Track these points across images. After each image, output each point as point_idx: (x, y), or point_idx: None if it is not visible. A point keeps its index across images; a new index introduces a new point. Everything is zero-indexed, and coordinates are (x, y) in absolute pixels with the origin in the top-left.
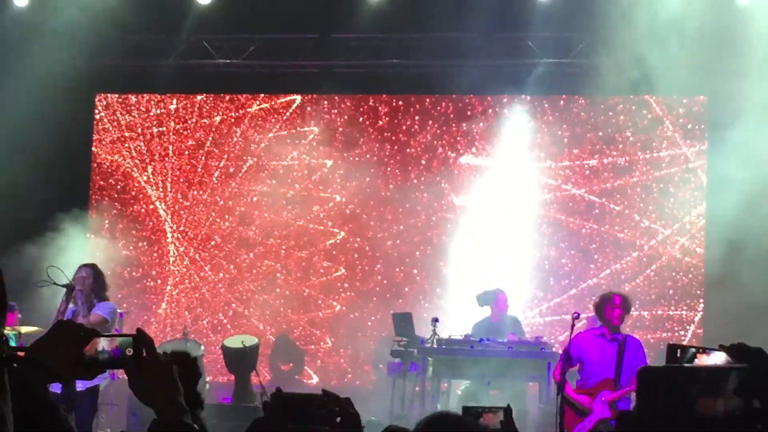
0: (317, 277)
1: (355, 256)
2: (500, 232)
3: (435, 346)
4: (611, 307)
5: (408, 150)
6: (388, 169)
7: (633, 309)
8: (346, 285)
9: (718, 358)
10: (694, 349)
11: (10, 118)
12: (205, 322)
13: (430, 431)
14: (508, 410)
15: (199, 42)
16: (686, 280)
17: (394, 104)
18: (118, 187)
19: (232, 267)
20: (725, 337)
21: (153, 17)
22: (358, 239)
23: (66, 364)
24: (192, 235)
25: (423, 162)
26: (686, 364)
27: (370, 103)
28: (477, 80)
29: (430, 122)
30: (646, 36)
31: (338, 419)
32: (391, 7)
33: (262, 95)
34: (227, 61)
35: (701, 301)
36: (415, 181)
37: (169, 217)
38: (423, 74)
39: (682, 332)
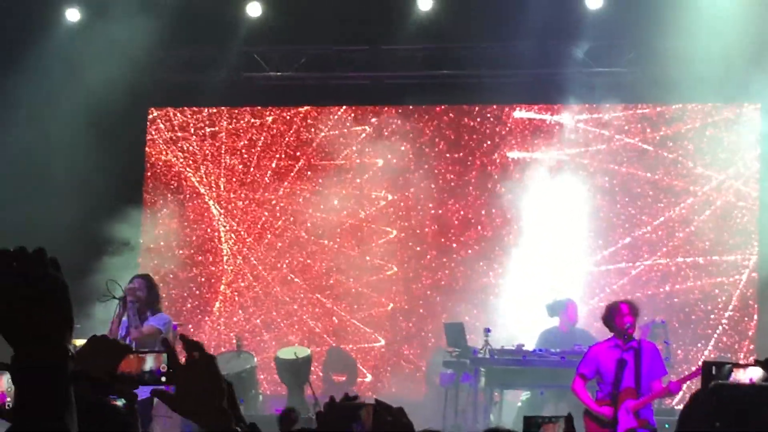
0: (369, 275)
1: (407, 253)
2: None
3: (487, 356)
4: (620, 316)
5: (459, 152)
6: (441, 171)
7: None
8: (398, 284)
9: (754, 374)
10: (729, 365)
11: (63, 132)
12: (258, 320)
13: None
14: (569, 419)
15: (250, 55)
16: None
17: (444, 110)
18: (172, 187)
19: (284, 265)
20: None
21: (204, 31)
22: (411, 242)
23: (102, 378)
24: (245, 235)
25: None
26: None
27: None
28: (526, 90)
29: (482, 129)
30: (696, 42)
31: (391, 429)
32: (441, 17)
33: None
34: (278, 73)
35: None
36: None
37: (223, 216)
38: (473, 84)
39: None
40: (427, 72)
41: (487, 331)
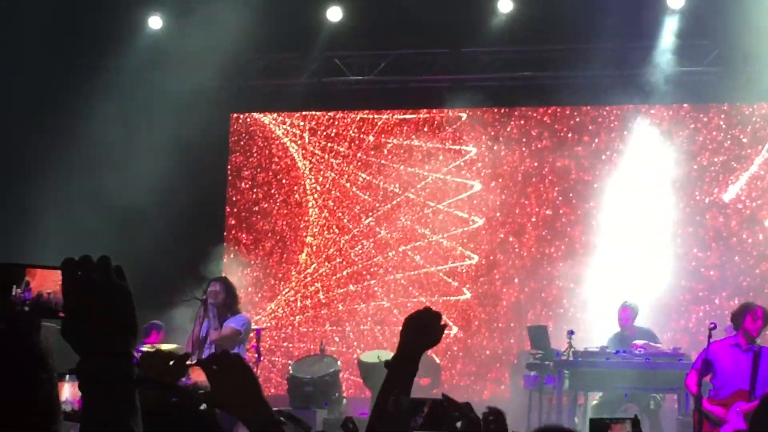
0: (454, 297)
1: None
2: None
3: (571, 358)
4: (753, 317)
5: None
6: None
7: None
8: (484, 301)
9: None
10: None
11: (145, 139)
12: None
13: None
14: (636, 421)
15: (331, 60)
16: None
17: (532, 114)
18: (254, 210)
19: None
20: None
21: (285, 36)
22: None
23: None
24: (344, 251)
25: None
26: None
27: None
28: (609, 90)
29: (571, 134)
30: None
31: (459, 423)
32: (521, 19)
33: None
34: (359, 77)
35: None
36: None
37: (314, 230)
38: (555, 86)
39: None
40: (509, 74)
41: (571, 333)
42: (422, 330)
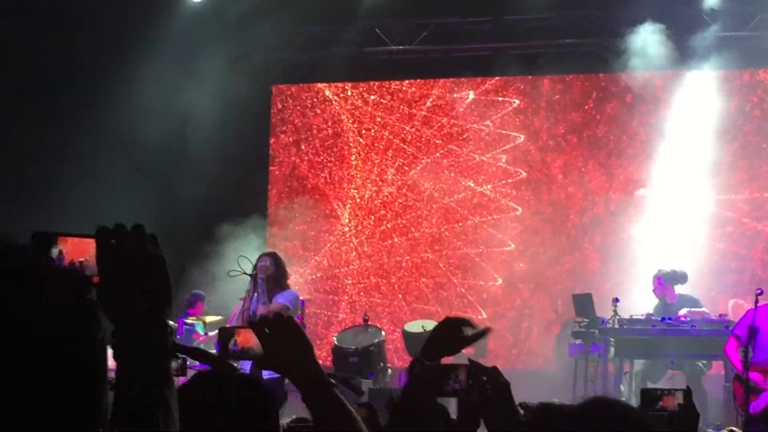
0: (493, 275)
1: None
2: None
3: (616, 326)
4: None
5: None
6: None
7: None
8: (524, 277)
9: None
10: None
11: (187, 112)
12: (385, 319)
13: (589, 415)
14: (687, 392)
15: (372, 29)
16: None
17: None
18: (296, 186)
19: (409, 264)
20: None
21: (325, 6)
22: (537, 217)
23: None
24: (370, 233)
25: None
26: None
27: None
28: (650, 56)
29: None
30: None
31: (488, 387)
32: None
33: (435, 92)
34: (400, 47)
35: None
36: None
37: (347, 214)
38: (597, 52)
39: None
40: (552, 41)
41: (616, 300)
42: (442, 340)
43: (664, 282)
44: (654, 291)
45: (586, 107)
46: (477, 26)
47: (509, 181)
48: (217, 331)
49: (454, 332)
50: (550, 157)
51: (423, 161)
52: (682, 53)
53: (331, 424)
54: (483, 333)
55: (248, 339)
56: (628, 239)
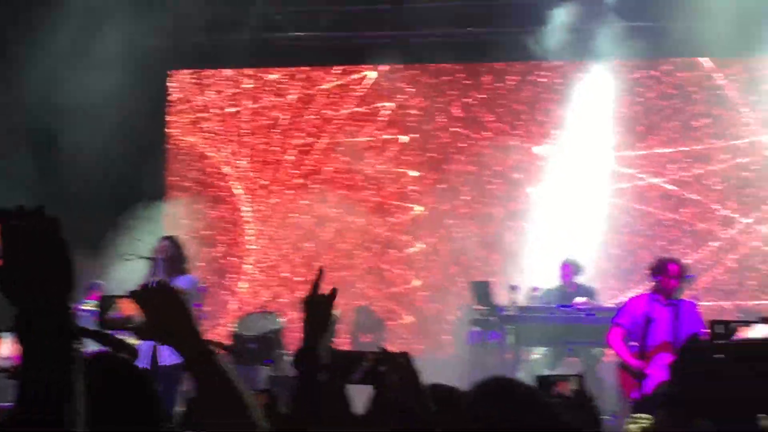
0: (395, 252)
1: (431, 232)
2: (575, 222)
3: (514, 313)
4: (667, 276)
5: (482, 131)
6: (462, 142)
7: (714, 299)
8: (423, 260)
9: (762, 331)
10: (734, 323)
11: (81, 97)
12: (284, 300)
13: (485, 393)
14: (581, 378)
15: (272, 15)
16: (766, 269)
17: (470, 80)
18: (194, 167)
19: (309, 244)
20: None
21: None
22: (433, 217)
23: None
24: (269, 213)
25: (496, 144)
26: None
27: (444, 80)
28: (551, 46)
29: (504, 106)
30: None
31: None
32: None
33: (336, 71)
34: (301, 34)
35: None
36: (488, 162)
37: (246, 196)
38: (498, 41)
39: None
40: (452, 30)
41: (514, 288)
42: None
43: (571, 270)
44: (564, 277)
45: (495, 105)
46: (377, 14)
47: (408, 158)
48: None
49: (317, 310)
50: (449, 138)
51: (322, 143)
52: (579, 43)
53: (216, 394)
54: (332, 296)
55: (131, 309)
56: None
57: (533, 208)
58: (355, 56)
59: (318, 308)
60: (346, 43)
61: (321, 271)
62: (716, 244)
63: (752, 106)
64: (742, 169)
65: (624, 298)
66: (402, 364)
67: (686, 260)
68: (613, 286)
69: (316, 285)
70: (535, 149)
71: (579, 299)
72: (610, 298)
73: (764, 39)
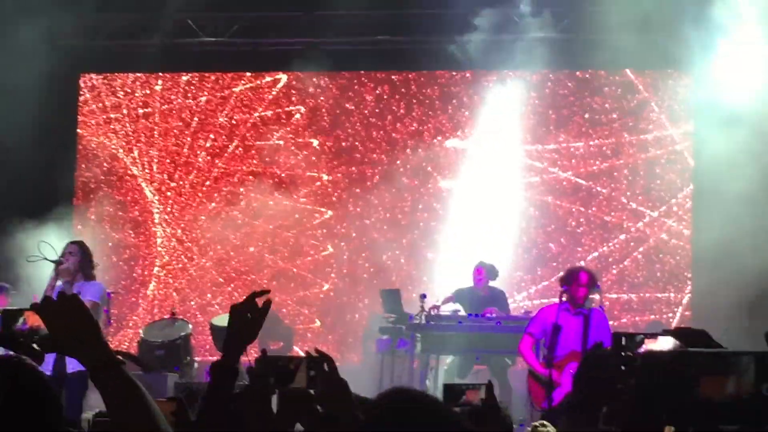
0: (305, 256)
1: (342, 236)
2: (486, 216)
3: (423, 322)
4: (576, 285)
5: (394, 133)
6: (374, 149)
7: (622, 292)
8: (333, 265)
9: (666, 344)
10: (641, 336)
11: None
12: (193, 303)
13: (387, 406)
14: (489, 387)
15: (184, 20)
16: (674, 262)
17: (380, 84)
18: (104, 168)
19: (219, 247)
20: (713, 319)
21: None
22: (345, 221)
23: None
24: (179, 216)
25: (408, 144)
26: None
27: (356, 84)
28: (464, 56)
29: (416, 103)
30: (632, 10)
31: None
32: None
33: (248, 74)
34: (212, 39)
35: (689, 283)
36: (401, 156)
37: (156, 198)
38: (409, 51)
39: (670, 315)
40: (364, 38)
41: (423, 297)
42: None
43: (485, 274)
44: (477, 282)
45: (397, 110)
46: (288, 20)
47: (320, 162)
48: None
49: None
50: (361, 142)
51: (233, 146)
52: (493, 54)
53: (122, 405)
54: (267, 306)
55: (38, 320)
56: (433, 243)
57: (446, 206)
58: (267, 62)
59: (244, 321)
60: (258, 49)
61: (263, 292)
62: (624, 237)
63: (660, 102)
64: (651, 163)
65: (532, 290)
66: (329, 371)
67: (595, 253)
68: (522, 278)
69: (251, 297)
70: (448, 143)
71: (489, 308)
72: (519, 291)
73: (668, 48)
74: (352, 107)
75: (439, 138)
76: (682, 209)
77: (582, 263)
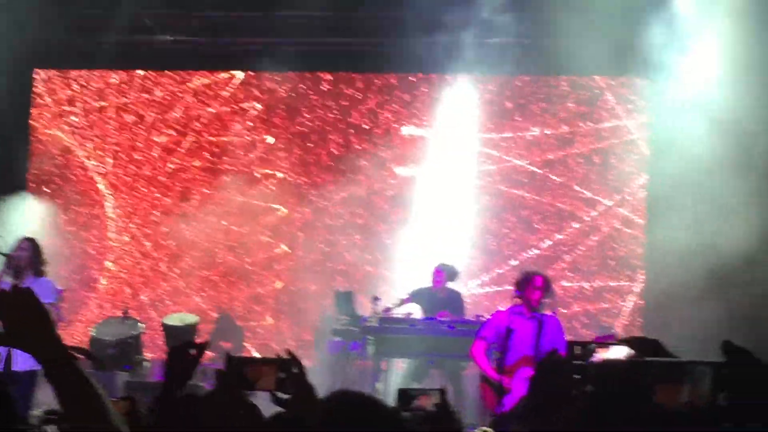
0: (258, 253)
1: (297, 232)
2: (441, 204)
3: (376, 325)
4: (532, 288)
5: (349, 120)
6: (330, 144)
7: (575, 280)
8: (288, 261)
9: (619, 353)
10: (593, 344)
11: None
12: (144, 297)
13: (333, 408)
14: (443, 392)
15: (141, 18)
16: (627, 251)
17: (335, 80)
18: (57, 162)
19: (172, 243)
20: (666, 308)
21: None
22: (299, 218)
23: None
24: (132, 211)
25: (365, 134)
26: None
27: (312, 82)
28: (418, 58)
29: (371, 95)
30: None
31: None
32: None
33: (205, 72)
34: (169, 37)
35: (642, 272)
36: (357, 151)
37: (109, 192)
38: (365, 52)
39: (622, 303)
40: (322, 39)
41: (376, 299)
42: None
43: (445, 276)
44: (436, 283)
45: (353, 100)
46: (246, 20)
47: (274, 159)
48: None
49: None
50: (315, 140)
51: (188, 141)
52: (447, 56)
53: (76, 401)
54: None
55: None
56: (389, 231)
57: (401, 195)
58: (224, 61)
59: (181, 362)
60: (215, 48)
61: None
62: (578, 225)
63: (615, 91)
64: (606, 152)
65: (486, 277)
66: (298, 374)
67: (548, 241)
68: (476, 266)
69: (188, 345)
70: (404, 130)
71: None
72: (472, 278)
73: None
74: (308, 105)
75: (396, 125)
76: (636, 199)
77: (536, 251)
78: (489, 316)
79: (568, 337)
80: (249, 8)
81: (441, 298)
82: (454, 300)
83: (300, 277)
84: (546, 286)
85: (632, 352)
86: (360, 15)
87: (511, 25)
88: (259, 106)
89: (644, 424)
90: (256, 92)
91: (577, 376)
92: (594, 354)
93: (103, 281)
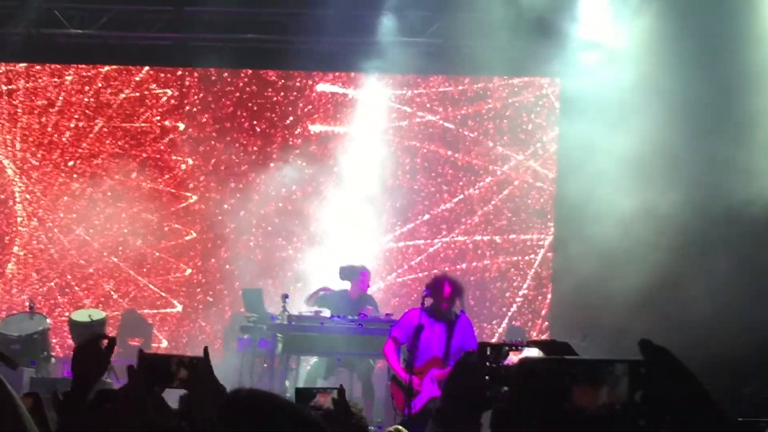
0: (168, 240)
1: (207, 220)
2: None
3: (285, 322)
4: (441, 297)
5: (265, 112)
6: (243, 135)
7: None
8: (198, 248)
9: (530, 354)
10: (506, 347)
11: None
12: (53, 284)
13: (233, 407)
14: (341, 391)
15: (51, 11)
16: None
17: (250, 77)
18: None
19: (81, 229)
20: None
21: None
22: (209, 206)
23: None
24: (40, 195)
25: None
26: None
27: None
28: (329, 56)
29: (284, 101)
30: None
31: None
32: None
33: (113, 68)
34: (79, 31)
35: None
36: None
37: (18, 177)
38: (277, 49)
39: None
40: (233, 35)
41: (285, 297)
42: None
43: (368, 279)
44: (363, 287)
45: (264, 110)
46: (157, 15)
47: (185, 147)
48: None
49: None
50: (226, 127)
51: (98, 126)
52: (360, 55)
53: None
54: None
55: None
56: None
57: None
58: (134, 56)
59: (92, 356)
60: (125, 42)
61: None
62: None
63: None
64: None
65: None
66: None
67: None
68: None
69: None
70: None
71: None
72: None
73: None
74: (220, 92)
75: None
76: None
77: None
78: (399, 318)
79: (478, 336)
80: (160, 3)
81: (364, 301)
82: (368, 300)
83: (210, 265)
84: (454, 295)
85: (542, 355)
86: (271, 12)
87: (424, 24)
88: (170, 92)
89: (562, 424)
90: (167, 79)
91: (488, 378)
92: (506, 356)
93: (10, 267)
